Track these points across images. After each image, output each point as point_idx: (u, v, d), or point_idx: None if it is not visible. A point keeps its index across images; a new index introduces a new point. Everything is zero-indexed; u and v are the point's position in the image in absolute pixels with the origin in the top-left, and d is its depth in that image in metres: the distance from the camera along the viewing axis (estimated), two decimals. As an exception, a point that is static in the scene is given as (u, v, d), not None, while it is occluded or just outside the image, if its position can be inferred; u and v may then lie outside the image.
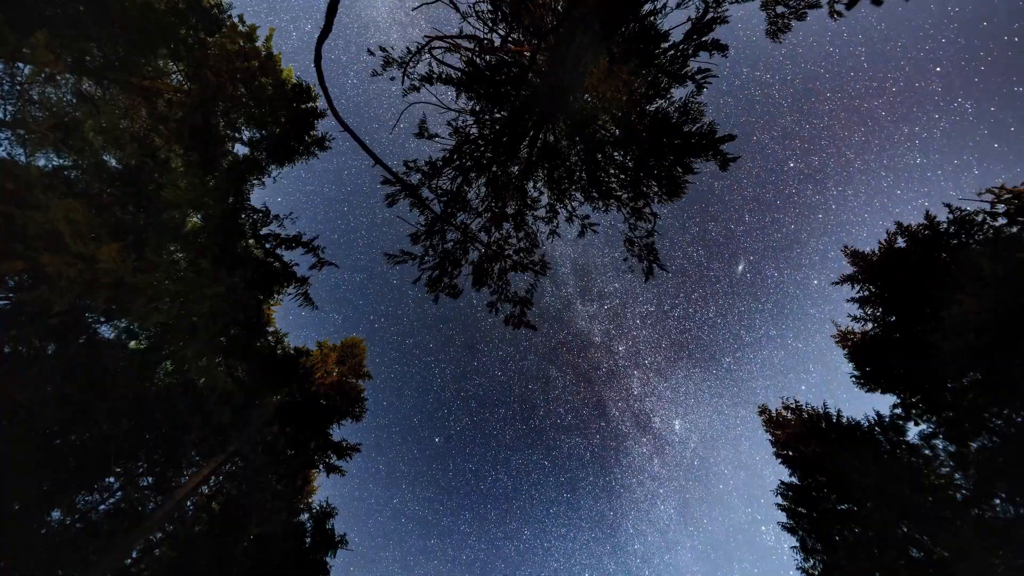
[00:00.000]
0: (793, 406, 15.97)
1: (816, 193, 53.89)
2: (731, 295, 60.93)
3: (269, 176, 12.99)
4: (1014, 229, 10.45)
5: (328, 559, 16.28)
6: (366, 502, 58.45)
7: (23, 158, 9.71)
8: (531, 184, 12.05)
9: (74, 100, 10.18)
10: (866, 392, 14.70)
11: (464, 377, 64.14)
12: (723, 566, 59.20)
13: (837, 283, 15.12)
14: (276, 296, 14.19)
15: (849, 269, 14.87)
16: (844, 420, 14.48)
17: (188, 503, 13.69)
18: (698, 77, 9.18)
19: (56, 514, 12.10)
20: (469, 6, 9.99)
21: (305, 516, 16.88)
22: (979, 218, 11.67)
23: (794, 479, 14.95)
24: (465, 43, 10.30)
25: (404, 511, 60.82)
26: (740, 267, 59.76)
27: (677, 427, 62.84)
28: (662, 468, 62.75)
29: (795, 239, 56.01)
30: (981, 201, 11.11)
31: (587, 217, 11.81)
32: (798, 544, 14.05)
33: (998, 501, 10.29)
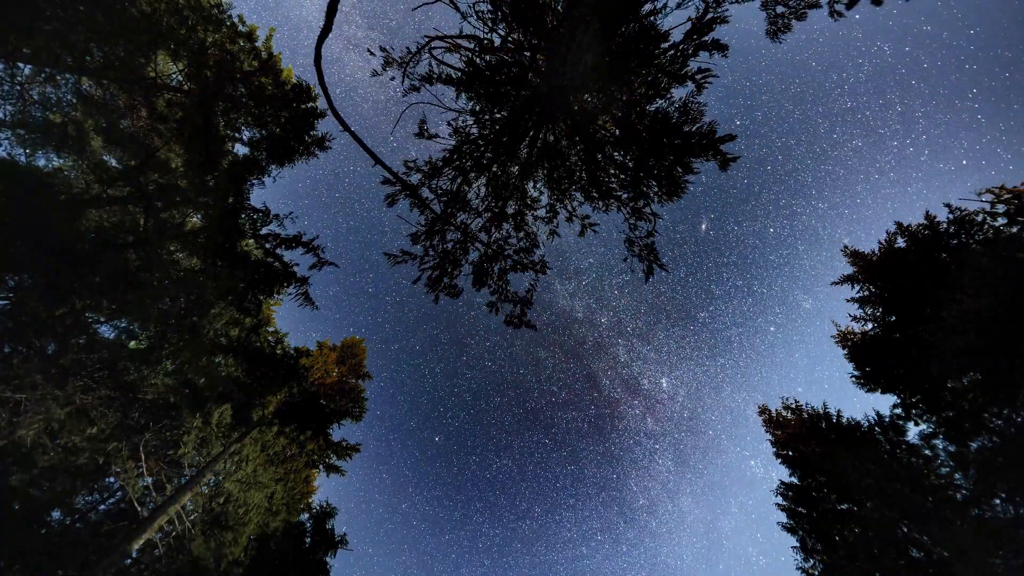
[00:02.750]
0: (793, 406, 15.96)
1: (763, 146, 58.08)
2: (698, 254, 65.49)
3: (269, 176, 12.97)
4: (1014, 229, 10.45)
5: (328, 559, 16.29)
6: (375, 512, 59.08)
7: (23, 158, 9.71)
8: (531, 184, 12.03)
9: (74, 100, 10.17)
10: (866, 392, 14.70)
11: (455, 373, 64.86)
12: (721, 503, 63.98)
13: (836, 283, 15.12)
14: (276, 296, 14.19)
15: (846, 268, 14.88)
16: (844, 420, 14.48)
17: (188, 503, 13.67)
18: (698, 77, 9.16)
19: (56, 514, 12.10)
20: (469, 6, 9.98)
21: (305, 516, 16.89)
22: (979, 218, 11.68)
23: (794, 479, 14.95)
24: (465, 43, 10.29)
25: (414, 513, 61.56)
26: (703, 226, 64.06)
27: (664, 385, 67.03)
28: (656, 425, 66.64)
29: (749, 192, 61.11)
30: (981, 201, 11.12)
31: (587, 217, 11.80)
32: (798, 544, 14.04)
33: (998, 501, 10.28)
